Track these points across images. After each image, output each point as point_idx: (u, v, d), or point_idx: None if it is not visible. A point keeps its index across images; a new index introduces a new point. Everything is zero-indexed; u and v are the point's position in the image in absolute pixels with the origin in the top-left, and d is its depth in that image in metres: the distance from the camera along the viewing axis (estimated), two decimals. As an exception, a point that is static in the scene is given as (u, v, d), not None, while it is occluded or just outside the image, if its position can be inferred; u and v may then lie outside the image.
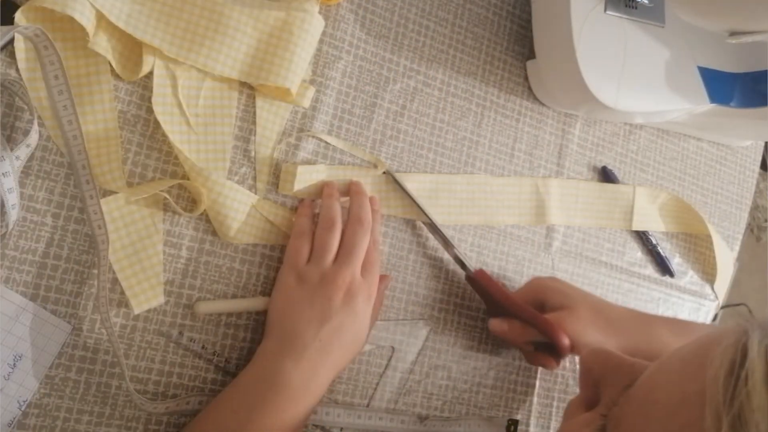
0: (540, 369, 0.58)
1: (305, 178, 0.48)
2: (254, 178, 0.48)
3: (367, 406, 0.51)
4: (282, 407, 0.42)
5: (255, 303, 0.47)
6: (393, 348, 0.52)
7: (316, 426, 0.49)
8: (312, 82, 0.51)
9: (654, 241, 0.64)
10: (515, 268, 0.58)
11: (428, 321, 0.54)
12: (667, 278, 0.65)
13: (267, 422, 0.41)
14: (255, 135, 0.48)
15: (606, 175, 0.62)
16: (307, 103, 0.50)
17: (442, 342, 0.55)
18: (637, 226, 0.63)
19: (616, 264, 0.63)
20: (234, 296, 0.47)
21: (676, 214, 0.66)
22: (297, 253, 0.46)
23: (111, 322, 0.43)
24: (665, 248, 0.65)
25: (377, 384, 0.52)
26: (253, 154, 0.48)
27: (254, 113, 0.48)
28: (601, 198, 0.62)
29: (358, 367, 0.51)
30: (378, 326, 0.52)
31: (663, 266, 0.65)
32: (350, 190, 0.49)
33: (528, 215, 0.58)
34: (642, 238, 0.64)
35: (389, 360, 0.52)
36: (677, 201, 0.65)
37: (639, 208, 0.63)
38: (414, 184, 0.53)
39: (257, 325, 0.48)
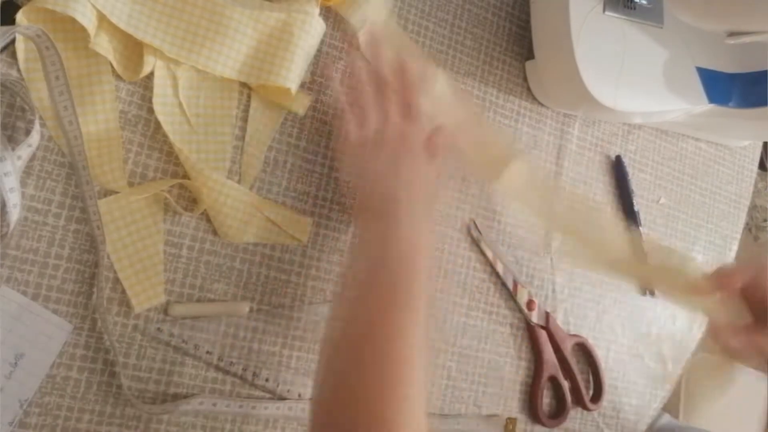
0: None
1: None
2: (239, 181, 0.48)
3: None
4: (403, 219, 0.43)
5: (230, 308, 0.47)
6: None
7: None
8: (312, 82, 0.51)
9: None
10: (513, 268, 0.58)
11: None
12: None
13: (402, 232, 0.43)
14: (245, 138, 0.48)
15: (619, 165, 0.63)
16: (303, 110, 0.49)
17: (442, 341, 0.55)
18: None
19: (615, 263, 0.63)
20: (234, 296, 0.48)
21: None
22: (343, 131, 0.48)
23: (111, 321, 0.44)
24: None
25: None
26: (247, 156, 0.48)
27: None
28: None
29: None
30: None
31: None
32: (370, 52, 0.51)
33: None
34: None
35: None
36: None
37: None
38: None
39: (257, 324, 0.48)
